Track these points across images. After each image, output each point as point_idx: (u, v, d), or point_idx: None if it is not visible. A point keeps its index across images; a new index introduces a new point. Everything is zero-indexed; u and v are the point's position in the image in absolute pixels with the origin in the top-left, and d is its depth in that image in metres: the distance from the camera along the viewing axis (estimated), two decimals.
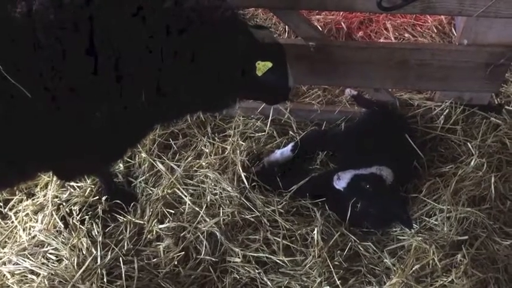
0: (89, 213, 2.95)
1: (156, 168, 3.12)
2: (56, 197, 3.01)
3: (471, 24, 2.88)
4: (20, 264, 2.73)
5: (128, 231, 2.86)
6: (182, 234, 2.83)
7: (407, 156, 3.04)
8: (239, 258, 2.74)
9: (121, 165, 3.19)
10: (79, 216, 2.91)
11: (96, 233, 2.84)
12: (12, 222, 2.95)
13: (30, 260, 2.74)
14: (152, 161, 3.14)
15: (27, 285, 2.66)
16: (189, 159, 3.16)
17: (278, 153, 3.15)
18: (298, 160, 3.19)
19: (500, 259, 2.77)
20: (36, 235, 2.84)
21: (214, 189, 2.98)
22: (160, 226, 2.86)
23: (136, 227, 2.89)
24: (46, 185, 3.08)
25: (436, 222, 2.86)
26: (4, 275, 2.71)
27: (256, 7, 3.85)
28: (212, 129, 3.35)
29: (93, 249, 2.75)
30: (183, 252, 2.76)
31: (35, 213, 2.97)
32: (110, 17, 1.86)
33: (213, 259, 2.75)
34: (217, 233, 2.80)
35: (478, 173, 3.02)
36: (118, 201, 2.97)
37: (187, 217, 2.90)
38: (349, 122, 3.36)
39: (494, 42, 2.94)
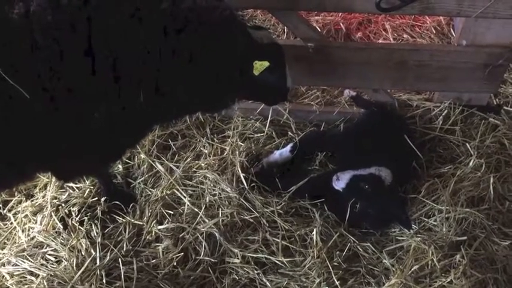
0: (88, 214, 2.95)
1: (155, 169, 3.13)
2: (55, 198, 3.01)
3: (470, 25, 2.88)
4: (19, 266, 2.73)
5: (127, 232, 2.86)
6: (181, 235, 2.83)
7: (406, 157, 3.04)
8: (238, 259, 2.74)
9: (120, 166, 3.19)
10: (78, 217, 2.91)
11: (95, 234, 2.84)
12: (11, 223, 2.95)
13: (29, 261, 2.74)
14: (151, 162, 3.14)
15: (26, 286, 2.66)
16: (188, 160, 3.16)
17: (277, 154, 3.15)
18: (297, 161, 3.19)
19: (499, 259, 2.77)
20: (35, 236, 2.84)
21: (213, 190, 2.98)
22: (160, 227, 2.86)
23: (135, 228, 2.89)
24: (45, 186, 3.08)
25: (435, 223, 2.86)
26: (3, 276, 2.71)
27: (255, 8, 3.85)
28: (211, 130, 3.35)
29: (92, 250, 2.75)
30: (182, 253, 2.76)
31: (34, 214, 2.97)
32: (107, 17, 1.86)
33: (212, 260, 2.75)
34: (217, 234, 2.80)
35: (476, 173, 3.02)
36: (117, 202, 2.97)
37: (186, 218, 2.90)
38: (348, 123, 3.36)
39: (493, 43, 2.94)
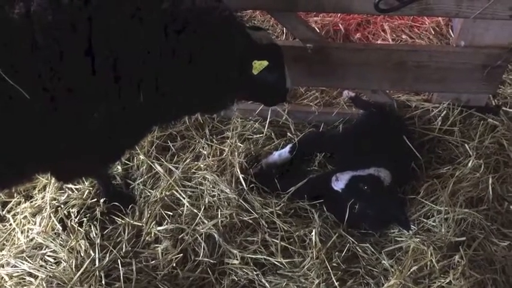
0: (87, 215, 2.94)
1: (154, 170, 3.12)
2: (54, 199, 3.01)
3: (468, 25, 2.89)
4: (18, 267, 2.72)
5: (126, 233, 2.85)
6: (180, 236, 2.82)
7: (405, 158, 3.04)
8: (237, 260, 2.74)
9: (119, 167, 3.19)
10: (77, 218, 2.91)
11: (94, 235, 2.84)
12: (10, 224, 2.95)
13: (28, 262, 2.73)
14: (150, 163, 3.14)
15: (25, 287, 2.66)
16: (187, 161, 3.16)
17: (276, 155, 3.15)
18: (296, 162, 3.19)
19: (497, 260, 2.77)
20: (34, 237, 2.84)
21: (213, 191, 2.99)
22: (159, 228, 2.86)
23: (134, 229, 2.89)
24: (44, 187, 3.08)
25: (433, 224, 2.86)
26: (2, 277, 2.70)
27: (254, 9, 3.86)
28: (210, 131, 3.35)
29: (91, 252, 2.75)
30: (181, 254, 2.76)
31: (33, 215, 2.96)
32: (108, 17, 1.86)
33: (211, 261, 2.75)
34: (216, 235, 2.80)
35: (475, 174, 3.02)
36: (116, 203, 2.97)
37: (185, 219, 2.90)
38: (347, 124, 3.36)
39: (491, 44, 2.94)
